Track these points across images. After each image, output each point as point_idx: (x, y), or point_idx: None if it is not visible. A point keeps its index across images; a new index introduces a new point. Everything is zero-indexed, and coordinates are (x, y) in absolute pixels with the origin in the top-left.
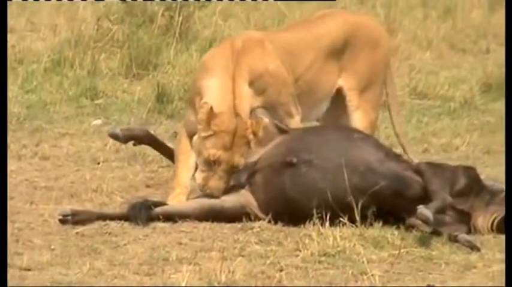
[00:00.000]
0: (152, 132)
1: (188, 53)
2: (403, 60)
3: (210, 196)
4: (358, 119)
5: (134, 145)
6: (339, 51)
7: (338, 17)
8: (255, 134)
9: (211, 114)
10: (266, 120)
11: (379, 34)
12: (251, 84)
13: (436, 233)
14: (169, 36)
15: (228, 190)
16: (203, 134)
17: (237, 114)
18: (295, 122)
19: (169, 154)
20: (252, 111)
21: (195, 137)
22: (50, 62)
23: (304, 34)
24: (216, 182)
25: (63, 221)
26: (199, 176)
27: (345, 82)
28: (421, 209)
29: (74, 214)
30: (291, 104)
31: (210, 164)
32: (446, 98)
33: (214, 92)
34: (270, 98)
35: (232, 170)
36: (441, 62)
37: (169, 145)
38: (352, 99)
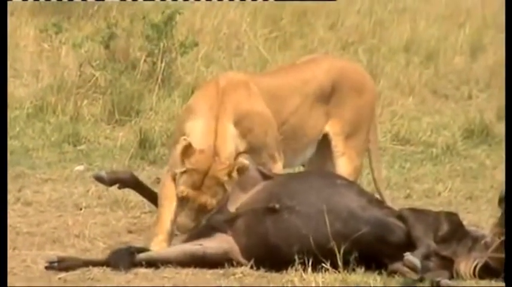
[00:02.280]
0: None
1: (171, 99)
2: (385, 106)
3: (180, 232)
4: (343, 165)
5: (119, 188)
6: (325, 97)
7: (324, 62)
8: (229, 175)
9: (187, 151)
10: (245, 162)
11: (366, 80)
12: (237, 124)
13: (419, 278)
14: (151, 82)
15: (210, 235)
16: (177, 170)
17: (216, 154)
18: (278, 167)
19: (153, 198)
20: (237, 156)
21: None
22: (32, 108)
23: (290, 78)
24: (183, 219)
25: (49, 268)
26: (177, 210)
27: (331, 127)
28: (408, 256)
29: (60, 260)
30: (275, 149)
31: (181, 201)
32: (428, 144)
33: (197, 131)
34: (255, 139)
35: (203, 210)
36: (423, 108)
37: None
38: (337, 144)
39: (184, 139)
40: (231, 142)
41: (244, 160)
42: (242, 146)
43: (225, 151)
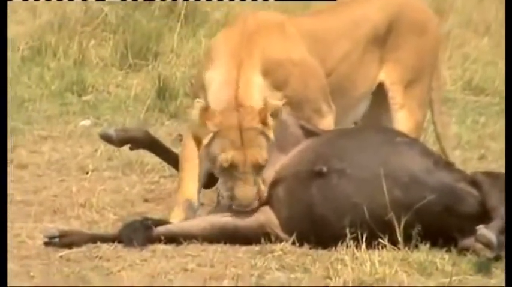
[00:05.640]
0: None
1: (195, 39)
2: (455, 49)
3: (243, 208)
4: (403, 120)
5: (131, 149)
6: (380, 39)
7: None
8: (263, 122)
9: (206, 114)
10: (276, 103)
11: (427, 18)
12: (266, 74)
13: (495, 257)
14: (172, 18)
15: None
16: (204, 139)
17: (239, 106)
18: (327, 122)
19: (173, 160)
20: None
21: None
22: (28, 50)
23: (337, 19)
24: (243, 190)
25: (48, 244)
26: (223, 187)
27: (388, 75)
28: (482, 230)
29: (62, 235)
30: (321, 101)
31: (227, 171)
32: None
33: (216, 85)
34: (293, 92)
35: (258, 167)
36: (500, 51)
37: (174, 150)
38: (395, 95)
39: (198, 101)
40: (256, 92)
41: (273, 101)
42: (277, 99)
43: (249, 100)
